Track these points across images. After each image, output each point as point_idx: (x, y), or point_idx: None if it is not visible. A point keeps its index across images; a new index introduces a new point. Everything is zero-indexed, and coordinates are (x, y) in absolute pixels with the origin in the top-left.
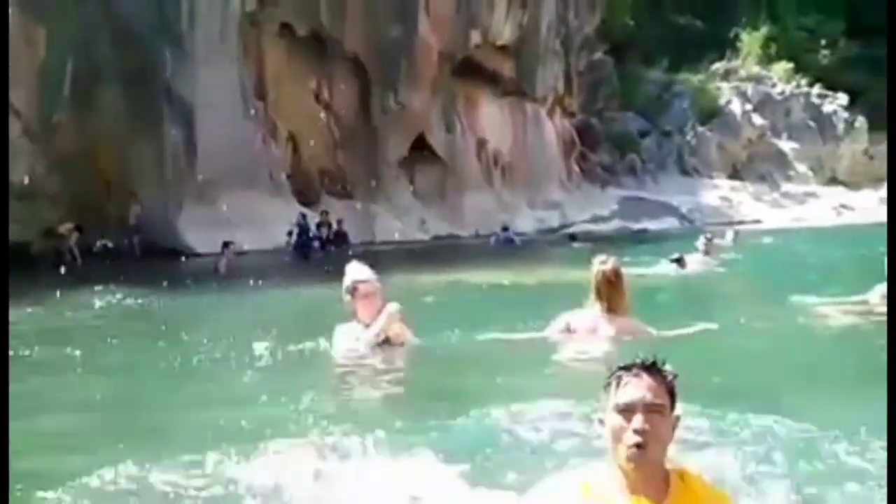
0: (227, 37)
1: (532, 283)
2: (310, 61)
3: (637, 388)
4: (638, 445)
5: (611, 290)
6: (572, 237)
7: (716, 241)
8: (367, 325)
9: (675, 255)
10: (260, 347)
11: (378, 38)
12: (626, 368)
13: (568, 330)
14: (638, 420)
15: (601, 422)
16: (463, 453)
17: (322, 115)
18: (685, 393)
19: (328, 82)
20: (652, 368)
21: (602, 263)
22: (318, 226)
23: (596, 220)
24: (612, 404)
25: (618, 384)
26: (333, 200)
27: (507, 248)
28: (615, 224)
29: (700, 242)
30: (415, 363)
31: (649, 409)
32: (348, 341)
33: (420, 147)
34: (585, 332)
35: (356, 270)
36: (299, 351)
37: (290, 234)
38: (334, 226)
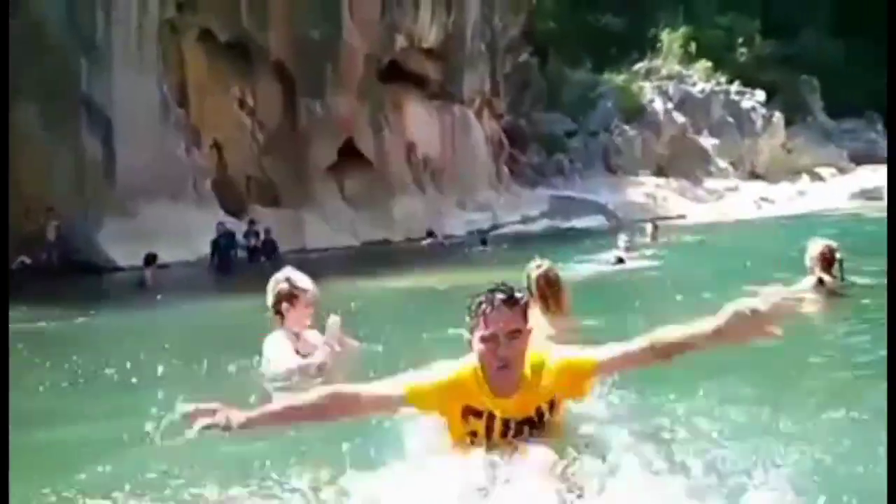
0: (145, 44)
1: (464, 286)
2: (233, 67)
3: (498, 319)
4: (503, 366)
5: (548, 292)
6: (483, 241)
7: (639, 238)
8: (297, 334)
9: (616, 256)
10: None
11: (302, 42)
12: (488, 300)
13: None
14: (502, 348)
15: (469, 343)
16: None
17: (247, 121)
18: None
19: (252, 88)
20: (509, 299)
21: (538, 267)
22: (246, 235)
23: (526, 220)
24: (477, 333)
25: (480, 313)
26: (261, 208)
27: (440, 250)
28: (545, 223)
29: (621, 240)
30: (364, 368)
31: (510, 336)
32: (286, 354)
33: (349, 152)
34: None
35: (287, 277)
36: (230, 370)
37: (213, 244)
38: (262, 234)
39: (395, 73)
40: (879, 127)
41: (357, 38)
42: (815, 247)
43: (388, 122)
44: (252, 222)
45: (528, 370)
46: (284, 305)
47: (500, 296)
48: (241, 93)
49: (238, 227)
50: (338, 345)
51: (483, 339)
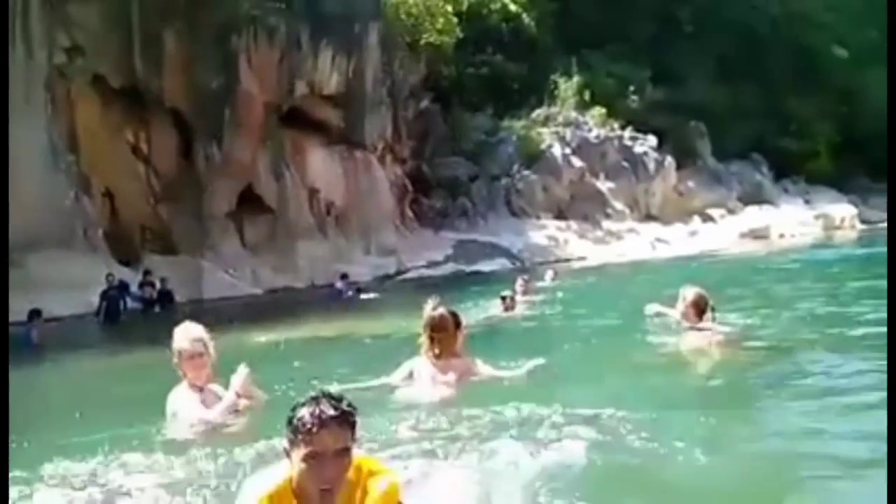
0: (33, 90)
1: (367, 334)
2: (126, 113)
3: (325, 438)
4: (326, 489)
5: (443, 335)
6: (359, 289)
7: (536, 282)
8: (201, 389)
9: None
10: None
11: (198, 89)
12: (314, 416)
13: (410, 377)
14: (328, 468)
15: (287, 452)
16: None
17: (141, 168)
18: None
19: (146, 134)
20: (339, 415)
21: (433, 309)
22: (141, 286)
23: (431, 264)
24: (298, 451)
25: (304, 429)
26: (157, 257)
27: (343, 299)
28: (450, 267)
29: (518, 284)
30: (268, 420)
31: (337, 455)
32: (191, 409)
33: (249, 198)
34: (427, 379)
35: (187, 331)
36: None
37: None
38: (158, 284)
39: (296, 119)
40: (764, 169)
41: (255, 85)
42: (689, 294)
43: (290, 167)
44: (147, 272)
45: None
46: (184, 361)
47: (329, 412)
48: (134, 139)
49: (132, 278)
50: (245, 396)
51: (306, 458)
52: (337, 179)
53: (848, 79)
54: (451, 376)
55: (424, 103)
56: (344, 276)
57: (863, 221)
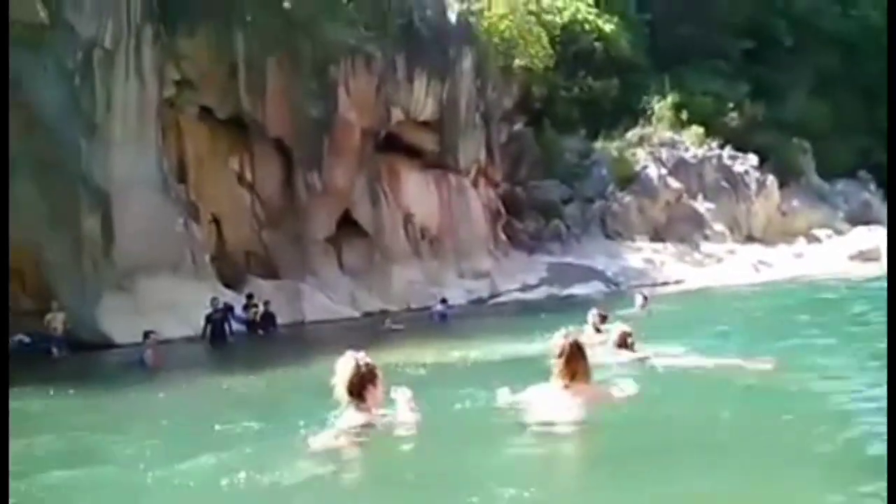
0: (145, 122)
1: (481, 359)
2: (232, 142)
3: None
4: None
5: (575, 363)
6: (383, 321)
7: (625, 309)
8: (369, 409)
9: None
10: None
11: (299, 119)
12: None
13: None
14: None
15: None
16: None
17: (246, 196)
18: None
19: (251, 163)
20: None
21: (565, 337)
22: (245, 308)
23: (525, 287)
24: None
25: None
26: (260, 281)
27: (442, 322)
28: (544, 290)
29: (591, 316)
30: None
31: None
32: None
33: (346, 222)
34: (558, 403)
35: (356, 357)
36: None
37: (206, 319)
38: (261, 307)
39: (391, 144)
40: (872, 187)
41: (353, 113)
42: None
43: (386, 192)
44: (250, 296)
45: None
46: (368, 386)
47: None
48: (240, 167)
49: (237, 300)
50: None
51: None
52: (431, 203)
53: None
54: (580, 402)
55: (517, 126)
56: (444, 301)
57: None
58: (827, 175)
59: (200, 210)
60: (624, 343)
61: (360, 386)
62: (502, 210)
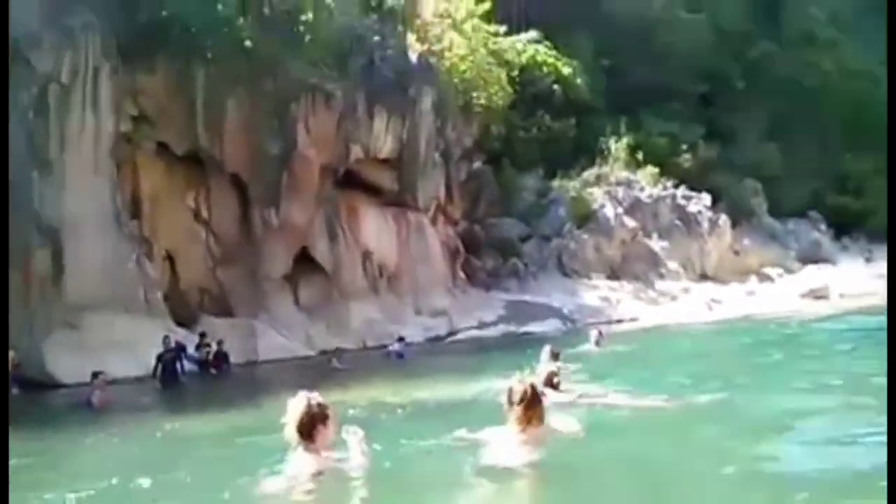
0: (100, 157)
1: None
2: (188, 178)
3: None
4: None
5: (531, 409)
6: (329, 360)
7: (580, 345)
8: (318, 451)
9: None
10: None
11: (258, 155)
12: None
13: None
14: None
15: None
16: None
17: (201, 232)
18: None
19: (207, 199)
20: None
21: (521, 382)
22: (198, 347)
23: (482, 325)
24: None
25: None
26: (213, 319)
27: (399, 361)
28: (501, 328)
29: (544, 354)
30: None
31: None
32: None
33: (304, 259)
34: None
35: (313, 397)
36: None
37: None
38: (214, 346)
39: (351, 181)
40: (822, 227)
41: (312, 150)
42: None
43: (344, 229)
44: (203, 335)
45: None
46: (318, 427)
47: None
48: (195, 204)
49: (190, 339)
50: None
51: None
52: (390, 241)
53: None
54: (534, 442)
55: (477, 164)
56: (401, 339)
57: None
58: (778, 215)
59: (154, 246)
60: (550, 383)
61: (311, 426)
62: (461, 248)
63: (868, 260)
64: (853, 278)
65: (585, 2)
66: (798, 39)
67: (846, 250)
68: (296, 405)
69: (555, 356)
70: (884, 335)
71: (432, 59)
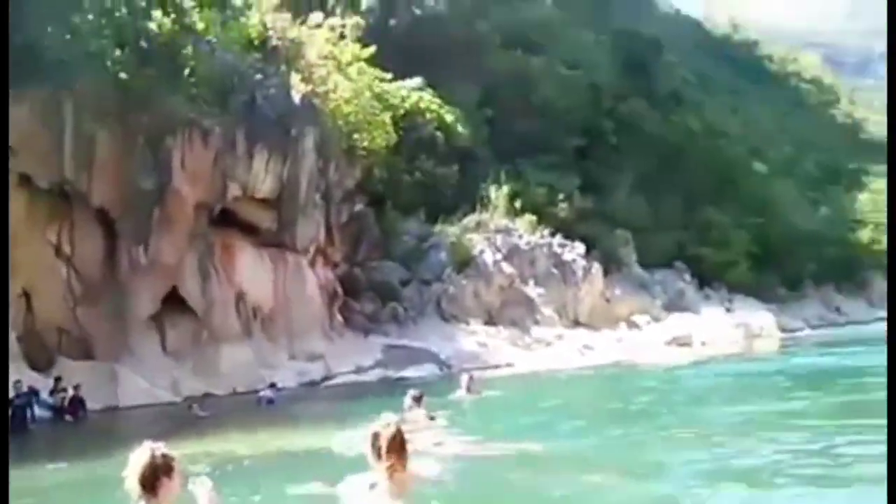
0: None
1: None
2: (51, 212)
3: None
4: None
5: (396, 454)
6: (189, 406)
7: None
8: None
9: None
10: None
11: (129, 190)
12: None
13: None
14: None
15: None
16: None
17: (62, 269)
18: None
19: (70, 234)
20: None
21: (386, 426)
22: (52, 392)
23: (359, 370)
24: None
25: None
26: (71, 362)
27: (269, 407)
28: (378, 373)
29: (407, 402)
30: None
31: None
32: None
33: (173, 299)
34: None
35: (157, 447)
36: None
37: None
38: (70, 391)
39: (226, 220)
40: (687, 277)
41: (187, 186)
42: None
43: (217, 269)
44: (58, 379)
45: None
46: (162, 479)
47: None
48: (57, 239)
49: (44, 384)
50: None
51: None
52: (265, 282)
53: (763, 191)
54: (399, 489)
55: (358, 207)
56: (273, 385)
57: (781, 330)
58: (647, 265)
59: (10, 283)
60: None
61: (153, 478)
62: (339, 290)
63: (728, 310)
64: (714, 327)
65: (470, 53)
66: (666, 99)
67: (708, 300)
68: (138, 456)
69: (417, 401)
70: (742, 380)
71: (316, 101)
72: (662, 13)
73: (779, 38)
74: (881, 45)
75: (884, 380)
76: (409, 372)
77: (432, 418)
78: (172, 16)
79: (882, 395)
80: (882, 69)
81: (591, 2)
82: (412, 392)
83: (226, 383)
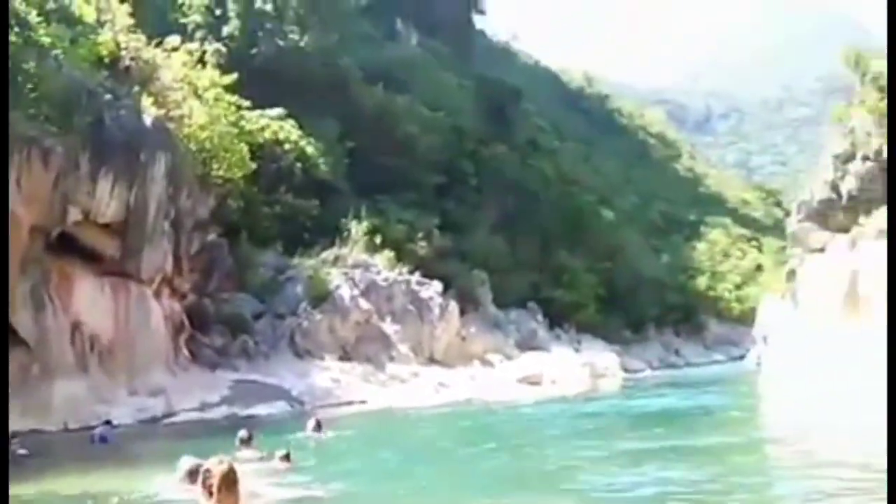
0: None
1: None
2: None
3: None
4: None
5: (228, 497)
6: (102, 439)
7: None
8: None
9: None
10: None
11: None
12: None
13: None
14: None
15: None
16: None
17: None
18: None
19: None
20: None
21: (219, 464)
22: None
23: (204, 406)
24: None
25: None
26: None
27: (102, 445)
28: (224, 410)
29: (239, 437)
30: None
31: None
32: None
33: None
34: None
35: None
36: None
37: None
38: None
39: (66, 246)
40: (539, 317)
41: (22, 209)
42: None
43: (52, 298)
44: None
45: None
46: None
47: None
48: None
49: None
50: None
51: None
52: (105, 313)
53: (611, 237)
54: None
55: (212, 237)
56: (108, 422)
57: (625, 370)
58: (501, 304)
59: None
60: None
61: None
62: (186, 322)
63: (577, 350)
64: (563, 366)
65: (332, 87)
66: (524, 145)
67: (559, 340)
68: None
69: (247, 440)
70: (588, 420)
71: (170, 125)
72: (522, 63)
73: (628, 94)
74: (720, 107)
75: (712, 420)
76: (259, 409)
77: (265, 458)
78: (16, 29)
79: (710, 439)
80: (720, 127)
81: (455, 47)
82: (241, 433)
83: (56, 419)
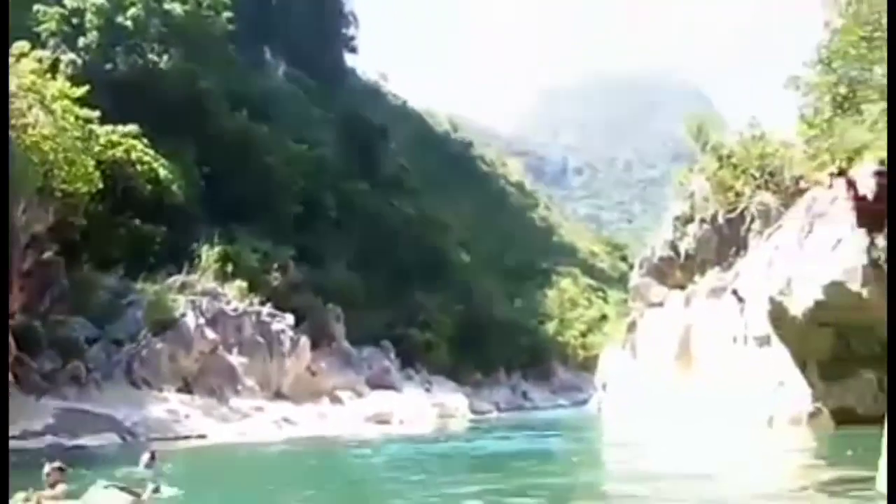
0: None
1: None
2: None
3: None
4: None
5: None
6: None
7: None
8: None
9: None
10: None
11: None
12: None
13: None
14: None
15: None
16: None
17: None
18: None
19: None
20: None
21: (25, 501)
22: None
23: (26, 435)
24: None
25: None
26: None
27: None
28: (48, 440)
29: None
30: None
31: None
32: None
33: None
34: None
35: None
36: None
37: None
38: None
39: None
40: (392, 356)
41: None
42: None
43: None
44: None
45: None
46: None
47: None
48: None
49: None
50: None
51: None
52: None
53: (466, 279)
54: None
55: (48, 255)
56: None
57: (473, 411)
58: (354, 341)
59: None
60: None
61: None
62: (13, 344)
63: (428, 390)
64: (414, 406)
65: (190, 110)
66: (387, 183)
67: (410, 379)
68: None
69: (59, 472)
70: (435, 460)
71: (11, 133)
72: (390, 104)
73: (492, 141)
74: (576, 162)
75: (554, 466)
76: (86, 440)
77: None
78: None
79: (548, 479)
80: (574, 182)
81: (323, 81)
82: (53, 464)
83: None
